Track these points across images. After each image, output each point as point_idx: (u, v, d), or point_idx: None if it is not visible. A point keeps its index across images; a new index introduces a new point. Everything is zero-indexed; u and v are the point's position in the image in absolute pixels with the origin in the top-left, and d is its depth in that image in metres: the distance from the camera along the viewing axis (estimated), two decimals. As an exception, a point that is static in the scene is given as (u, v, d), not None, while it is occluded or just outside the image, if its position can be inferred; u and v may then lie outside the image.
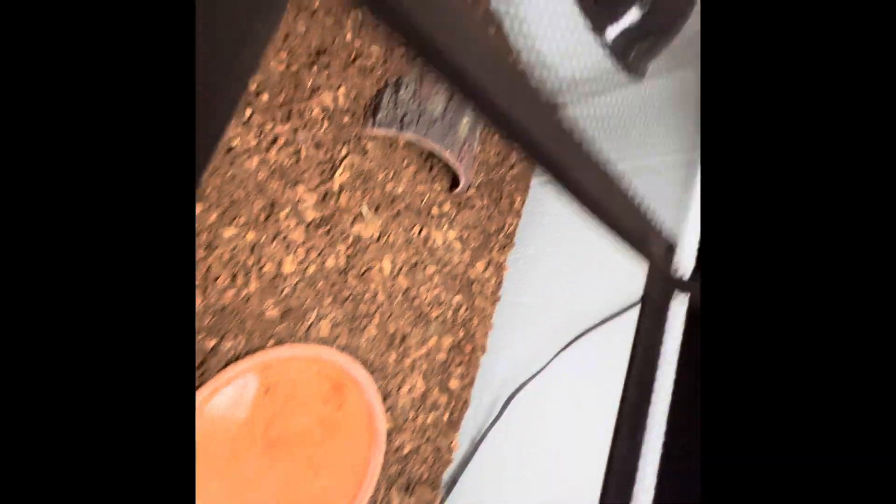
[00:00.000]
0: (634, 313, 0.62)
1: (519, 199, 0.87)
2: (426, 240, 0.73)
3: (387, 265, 0.68)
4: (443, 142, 0.64)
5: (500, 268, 0.83)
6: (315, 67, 0.59)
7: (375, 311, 0.66)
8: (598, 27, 0.51)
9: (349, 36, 0.63)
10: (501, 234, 0.84)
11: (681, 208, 0.60)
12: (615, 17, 0.51)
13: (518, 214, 0.86)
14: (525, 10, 0.84)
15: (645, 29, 0.52)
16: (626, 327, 0.65)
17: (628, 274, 0.69)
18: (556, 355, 0.73)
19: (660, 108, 0.77)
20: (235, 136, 0.54)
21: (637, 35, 0.52)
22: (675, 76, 0.75)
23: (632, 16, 0.51)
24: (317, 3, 0.61)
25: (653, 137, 0.77)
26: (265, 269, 0.56)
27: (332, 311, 0.62)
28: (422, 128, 0.63)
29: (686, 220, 0.59)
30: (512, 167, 0.87)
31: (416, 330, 0.71)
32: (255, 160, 0.56)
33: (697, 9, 0.55)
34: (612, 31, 0.51)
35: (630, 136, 0.81)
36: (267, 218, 0.57)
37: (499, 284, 0.83)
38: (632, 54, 0.52)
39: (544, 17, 0.84)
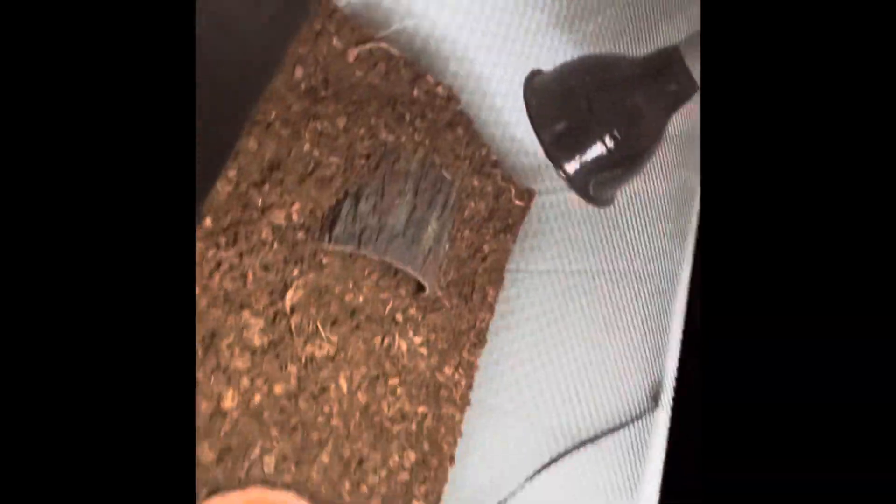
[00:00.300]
0: (631, 432, 0.57)
1: (492, 291, 0.84)
2: (388, 349, 0.68)
3: (343, 383, 0.63)
4: (404, 257, 0.61)
5: (470, 368, 0.78)
6: (267, 185, 0.56)
7: (329, 437, 0.61)
8: (558, 163, 0.48)
9: (307, 146, 0.60)
10: (473, 332, 0.80)
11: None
12: (575, 155, 0.48)
13: (491, 309, 0.83)
14: (501, 100, 0.83)
15: (610, 161, 0.49)
16: (622, 445, 0.59)
17: (626, 384, 0.65)
18: (533, 475, 0.68)
19: (641, 209, 0.75)
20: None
21: (599, 167, 0.50)
22: (660, 178, 0.73)
23: (595, 151, 0.48)
24: (273, 115, 0.58)
25: (632, 239, 0.75)
26: (201, 408, 0.51)
27: (278, 443, 0.57)
28: (381, 244, 0.59)
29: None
30: (484, 259, 0.83)
31: (374, 451, 0.65)
32: (196, 288, 0.52)
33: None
34: (571, 167, 0.48)
35: (606, 235, 0.78)
36: (206, 350, 0.52)
37: (469, 387, 0.78)
38: (590, 187, 0.49)
39: (519, 105, 0.83)
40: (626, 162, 0.50)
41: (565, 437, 0.66)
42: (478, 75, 0.77)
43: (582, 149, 0.49)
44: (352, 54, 0.62)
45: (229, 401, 0.53)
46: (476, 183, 0.78)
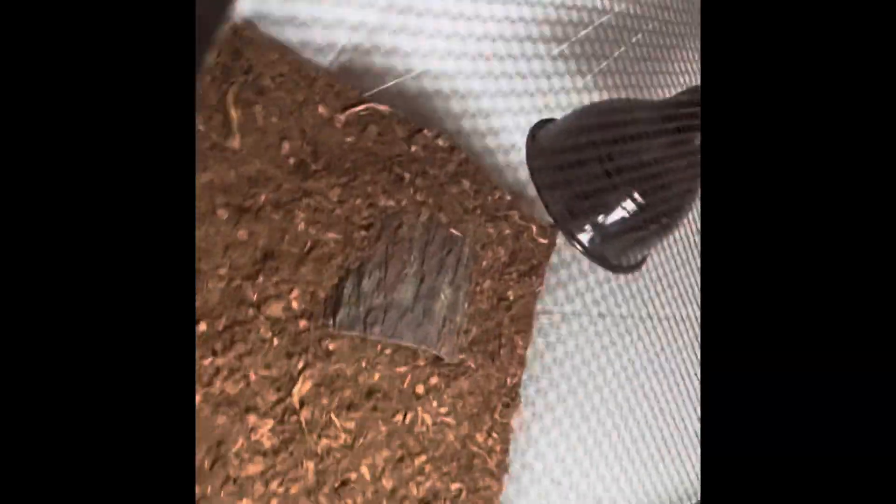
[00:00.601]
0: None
1: (521, 342, 0.77)
2: (412, 426, 0.63)
3: (366, 470, 0.59)
4: (416, 335, 0.56)
5: (504, 431, 0.72)
6: (261, 277, 0.53)
7: (355, 532, 0.57)
8: (571, 234, 0.41)
9: (302, 226, 0.56)
10: (504, 391, 0.73)
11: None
12: (590, 222, 0.42)
13: (522, 362, 0.76)
14: (509, 136, 0.77)
15: (633, 225, 0.42)
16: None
17: (680, 454, 0.57)
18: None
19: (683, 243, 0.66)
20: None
21: (620, 232, 0.43)
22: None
23: (614, 216, 0.41)
24: (262, 198, 0.55)
25: (674, 280, 0.66)
26: (213, 527, 0.49)
27: (300, 548, 0.53)
28: (389, 325, 0.55)
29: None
30: (509, 307, 0.77)
31: (406, 539, 0.61)
32: (196, 397, 0.49)
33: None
34: (586, 236, 0.42)
35: (646, 270, 0.70)
36: (214, 462, 0.49)
37: (505, 452, 0.72)
38: (609, 254, 0.43)
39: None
40: (652, 224, 0.43)
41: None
42: (482, 112, 0.71)
43: (598, 214, 0.42)
44: (339, 120, 0.58)
45: (243, 512, 0.50)
46: (491, 230, 0.72)
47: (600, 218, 0.42)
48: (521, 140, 0.73)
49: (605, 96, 0.49)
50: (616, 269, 0.44)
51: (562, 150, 0.44)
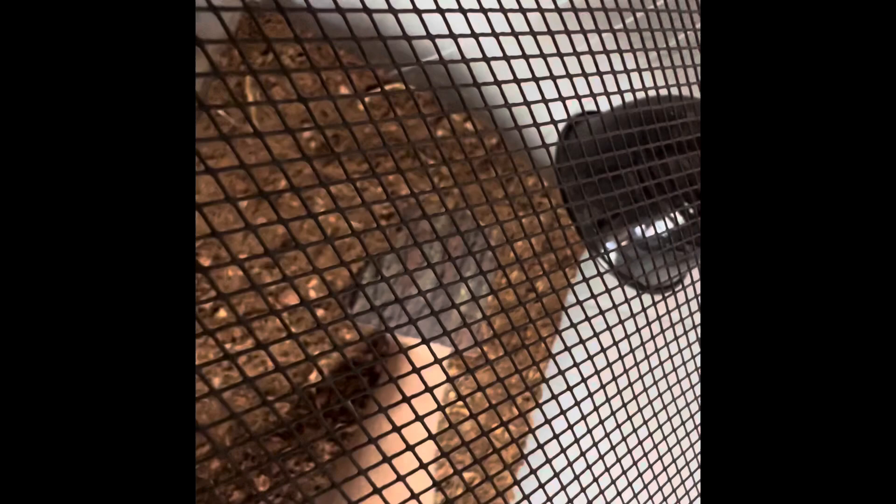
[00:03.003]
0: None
1: (549, 337, 0.74)
2: (428, 415, 0.64)
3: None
4: (432, 332, 0.54)
5: (523, 424, 0.71)
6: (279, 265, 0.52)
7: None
8: (595, 248, 0.38)
9: (321, 214, 0.55)
10: (525, 387, 0.72)
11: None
12: (625, 236, 0.37)
13: (547, 358, 0.74)
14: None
15: (675, 241, 0.38)
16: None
17: None
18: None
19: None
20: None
21: (659, 247, 0.38)
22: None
23: (656, 229, 0.37)
24: (281, 184, 0.54)
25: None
26: None
27: (313, 523, 0.56)
28: (405, 320, 0.53)
29: None
30: (538, 300, 0.74)
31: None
32: (216, 380, 0.51)
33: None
34: (613, 253, 0.38)
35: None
36: (234, 441, 0.52)
37: (521, 444, 0.71)
38: (635, 272, 0.39)
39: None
40: (689, 245, 0.38)
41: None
42: (519, 93, 0.65)
43: (631, 229, 0.38)
44: (363, 102, 0.55)
45: (261, 486, 0.53)
46: (523, 219, 0.68)
47: (632, 234, 0.37)
48: (560, 123, 0.67)
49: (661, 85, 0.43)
50: (644, 288, 0.40)
51: (598, 151, 0.39)
